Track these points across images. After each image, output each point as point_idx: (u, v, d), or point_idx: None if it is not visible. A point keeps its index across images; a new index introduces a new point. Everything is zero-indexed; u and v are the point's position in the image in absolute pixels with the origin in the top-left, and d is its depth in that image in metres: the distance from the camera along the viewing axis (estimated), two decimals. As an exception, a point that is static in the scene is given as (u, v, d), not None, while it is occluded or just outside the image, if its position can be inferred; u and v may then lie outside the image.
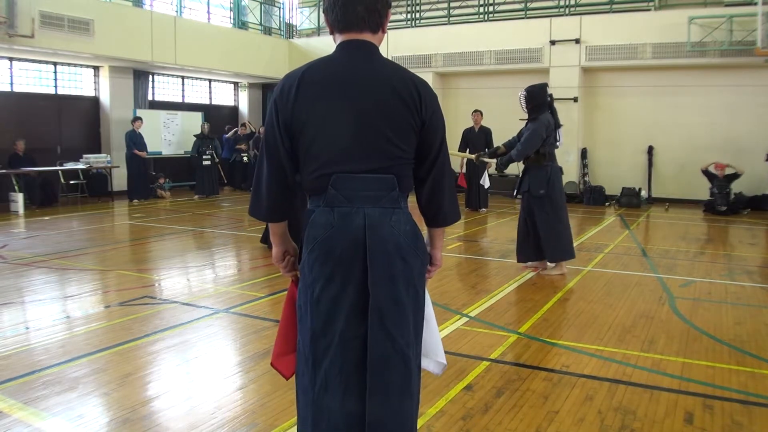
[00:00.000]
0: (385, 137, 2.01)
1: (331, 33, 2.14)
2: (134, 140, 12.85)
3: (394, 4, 17.30)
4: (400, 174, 2.05)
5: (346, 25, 2.06)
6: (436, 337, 2.25)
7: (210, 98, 16.84)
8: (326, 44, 16.67)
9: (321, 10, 15.64)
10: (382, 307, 1.98)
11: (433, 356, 2.24)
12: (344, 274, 1.98)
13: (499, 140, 11.95)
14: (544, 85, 6.60)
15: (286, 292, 2.28)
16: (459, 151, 11.43)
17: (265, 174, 2.08)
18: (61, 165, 12.58)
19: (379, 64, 2.06)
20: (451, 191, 2.19)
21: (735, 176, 11.88)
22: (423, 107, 2.04)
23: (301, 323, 2.08)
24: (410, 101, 2.02)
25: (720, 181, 11.90)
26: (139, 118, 13.15)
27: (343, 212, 1.99)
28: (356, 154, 2.00)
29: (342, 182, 1.99)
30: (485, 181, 11.36)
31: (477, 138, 11.57)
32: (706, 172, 12.05)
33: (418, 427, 2.88)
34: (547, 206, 6.32)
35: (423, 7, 16.27)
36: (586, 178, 14.08)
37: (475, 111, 11.73)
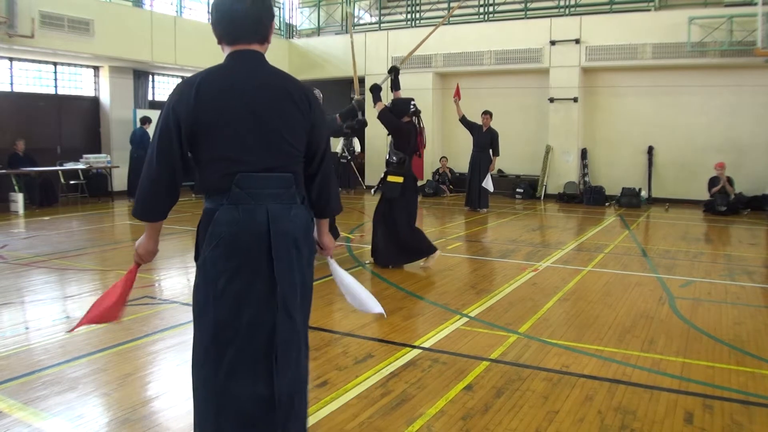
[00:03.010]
0: (282, 137, 2.19)
1: (219, 44, 2.29)
2: (145, 140, 12.62)
3: (393, 4, 17.34)
4: (296, 172, 2.25)
5: (235, 38, 2.23)
6: (365, 296, 2.62)
7: (210, 98, 16.81)
8: (326, 44, 16.69)
9: (320, 11, 15.46)
10: (286, 293, 2.18)
11: (374, 307, 2.62)
12: (252, 266, 2.14)
13: (502, 142, 11.99)
14: (410, 99, 6.68)
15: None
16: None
17: (154, 175, 2.19)
18: (61, 165, 12.57)
19: (270, 71, 2.24)
20: (336, 186, 2.47)
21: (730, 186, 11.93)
22: (312, 110, 2.26)
23: (202, 317, 2.20)
24: (302, 104, 2.23)
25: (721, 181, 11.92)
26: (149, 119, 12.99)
27: (248, 209, 2.14)
28: (257, 153, 2.16)
29: (246, 181, 2.14)
30: (488, 184, 11.53)
31: (483, 138, 11.60)
32: (711, 186, 12.05)
33: (417, 428, 2.89)
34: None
35: (423, 7, 16.26)
36: (586, 178, 14.08)
37: (485, 113, 11.74)
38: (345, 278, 2.60)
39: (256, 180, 2.16)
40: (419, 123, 6.69)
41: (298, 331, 2.24)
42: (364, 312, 2.70)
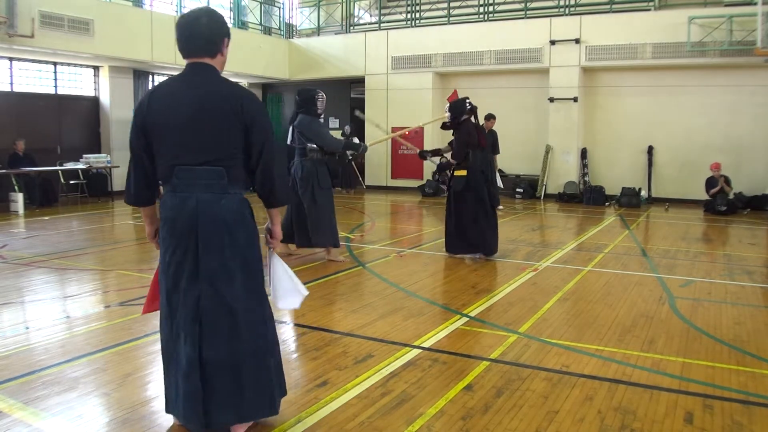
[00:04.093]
0: (214, 137, 2.60)
1: (183, 57, 2.73)
2: None
3: (393, 3, 17.33)
4: (229, 166, 2.64)
5: (189, 53, 2.69)
6: (286, 286, 2.93)
7: (210, 98, 16.80)
8: (326, 44, 16.68)
9: (320, 11, 15.51)
10: (211, 271, 2.60)
11: (290, 300, 2.94)
12: (185, 245, 2.61)
13: (502, 141, 12.01)
14: (465, 98, 7.20)
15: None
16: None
17: (131, 169, 2.74)
18: (61, 165, 12.58)
19: (214, 81, 2.67)
20: (281, 179, 2.79)
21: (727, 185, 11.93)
22: (244, 115, 2.62)
23: (161, 285, 2.73)
24: (235, 109, 2.61)
25: (717, 181, 11.91)
26: None
27: (183, 196, 2.62)
28: (193, 150, 2.60)
29: (182, 173, 2.61)
30: (499, 182, 11.77)
31: (487, 139, 11.68)
32: (709, 187, 12.06)
33: (417, 428, 2.88)
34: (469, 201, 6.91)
35: (423, 7, 16.26)
36: (586, 178, 14.08)
37: (489, 116, 11.80)
38: (278, 270, 2.91)
39: (191, 172, 2.61)
40: (476, 119, 7.17)
41: (230, 306, 2.62)
42: (280, 307, 2.97)
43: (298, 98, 6.70)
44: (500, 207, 11.67)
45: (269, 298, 2.87)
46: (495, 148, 11.82)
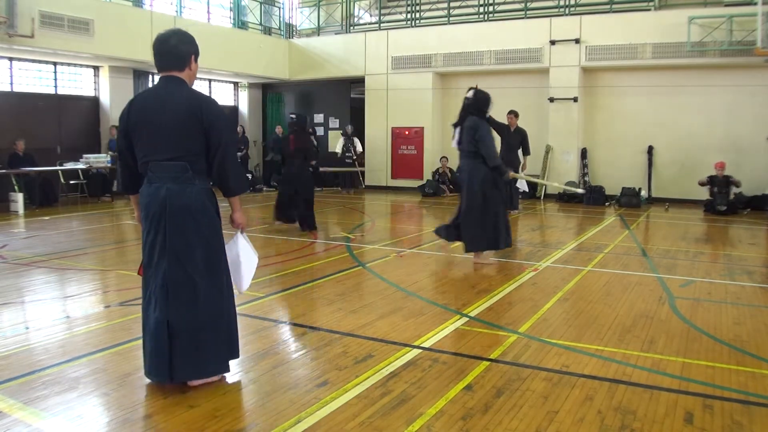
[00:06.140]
0: (179, 137, 3.17)
1: (157, 71, 3.31)
2: None
3: (393, 3, 17.33)
4: (192, 161, 3.19)
5: (161, 67, 3.28)
6: (241, 274, 3.48)
7: (210, 98, 16.80)
8: (326, 44, 16.69)
9: (320, 11, 15.55)
10: (177, 249, 3.17)
11: (242, 285, 3.51)
12: (156, 227, 3.19)
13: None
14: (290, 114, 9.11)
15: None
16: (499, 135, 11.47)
17: (119, 165, 3.50)
18: (61, 165, 12.57)
19: (179, 92, 3.23)
20: (235, 170, 3.31)
21: (732, 183, 11.88)
22: (204, 119, 3.18)
23: (142, 260, 3.31)
24: (196, 115, 3.17)
25: (720, 180, 11.91)
26: None
27: (156, 186, 3.19)
28: (161, 149, 3.18)
29: (155, 167, 3.20)
30: (523, 184, 11.50)
31: (513, 138, 11.38)
32: (703, 183, 12.05)
33: (417, 428, 2.88)
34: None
35: (423, 7, 16.26)
36: (586, 178, 14.08)
37: (511, 112, 11.49)
38: (236, 250, 3.44)
39: (160, 167, 3.18)
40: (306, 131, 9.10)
41: (191, 279, 3.17)
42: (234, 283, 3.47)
43: (471, 99, 6.64)
44: (515, 211, 11.51)
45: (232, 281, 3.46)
46: (526, 149, 11.35)
